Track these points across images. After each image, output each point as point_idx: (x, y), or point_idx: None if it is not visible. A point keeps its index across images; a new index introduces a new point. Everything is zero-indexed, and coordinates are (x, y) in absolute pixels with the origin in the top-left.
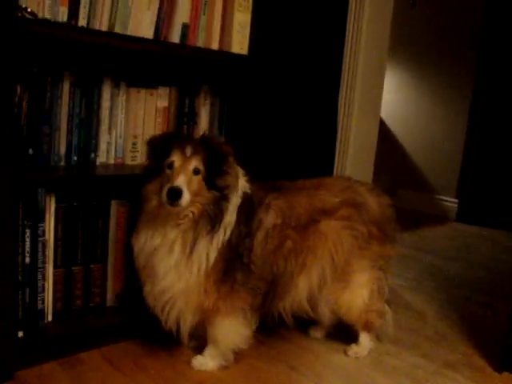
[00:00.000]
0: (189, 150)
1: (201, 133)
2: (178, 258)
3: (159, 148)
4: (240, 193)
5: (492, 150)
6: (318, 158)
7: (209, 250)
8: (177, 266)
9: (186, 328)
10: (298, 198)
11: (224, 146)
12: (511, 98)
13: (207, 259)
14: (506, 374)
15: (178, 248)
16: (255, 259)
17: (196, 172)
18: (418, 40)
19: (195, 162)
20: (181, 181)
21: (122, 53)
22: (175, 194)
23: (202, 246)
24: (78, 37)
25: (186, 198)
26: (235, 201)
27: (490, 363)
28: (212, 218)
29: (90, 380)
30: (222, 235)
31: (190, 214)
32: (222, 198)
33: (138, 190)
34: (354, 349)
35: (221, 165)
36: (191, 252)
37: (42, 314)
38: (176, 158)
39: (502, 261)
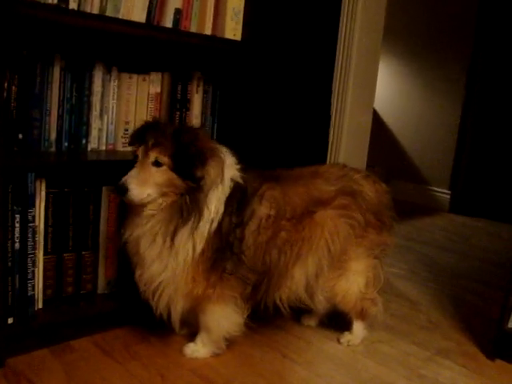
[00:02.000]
0: (150, 142)
1: (193, 120)
2: (160, 248)
3: (131, 141)
4: (228, 183)
5: (485, 141)
6: (311, 146)
7: (194, 239)
8: (161, 256)
9: (176, 314)
10: (294, 187)
11: (197, 140)
12: (505, 91)
13: (193, 249)
14: (498, 361)
15: (159, 239)
16: (246, 249)
17: (157, 164)
18: (412, 31)
19: (154, 154)
20: (130, 175)
21: (114, 37)
22: (120, 190)
23: (184, 236)
24: (68, 20)
25: (135, 192)
26: (220, 191)
27: (483, 351)
28: (186, 208)
29: (81, 367)
30: (209, 225)
31: (164, 204)
32: (197, 189)
33: None
34: (347, 337)
35: (194, 158)
36: (172, 242)
37: (32, 300)
38: (140, 151)
39: (495, 251)
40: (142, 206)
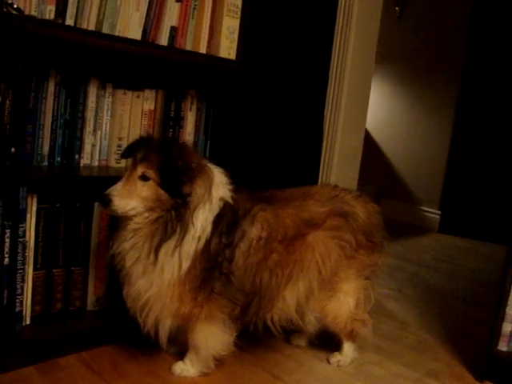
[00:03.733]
0: (139, 156)
1: (186, 138)
2: (145, 264)
3: (124, 153)
4: (217, 202)
5: (474, 162)
6: (303, 167)
7: (180, 257)
8: (146, 272)
9: (164, 332)
10: (285, 209)
11: (185, 156)
12: (494, 113)
13: (179, 267)
14: (487, 383)
15: (143, 253)
16: (235, 270)
17: (144, 178)
18: (403, 51)
19: (142, 169)
20: (114, 187)
21: (109, 53)
22: (103, 201)
23: (169, 252)
24: (64, 35)
25: (118, 203)
26: (208, 209)
27: (472, 372)
28: (171, 224)
29: None
30: (195, 243)
31: (149, 218)
32: (183, 205)
33: None
34: (337, 357)
35: (180, 173)
36: (156, 257)
37: (19, 316)
38: (128, 164)
39: (484, 271)
40: (128, 219)
